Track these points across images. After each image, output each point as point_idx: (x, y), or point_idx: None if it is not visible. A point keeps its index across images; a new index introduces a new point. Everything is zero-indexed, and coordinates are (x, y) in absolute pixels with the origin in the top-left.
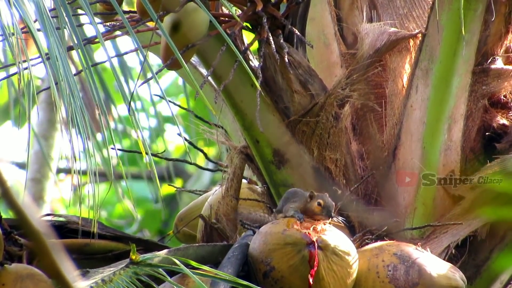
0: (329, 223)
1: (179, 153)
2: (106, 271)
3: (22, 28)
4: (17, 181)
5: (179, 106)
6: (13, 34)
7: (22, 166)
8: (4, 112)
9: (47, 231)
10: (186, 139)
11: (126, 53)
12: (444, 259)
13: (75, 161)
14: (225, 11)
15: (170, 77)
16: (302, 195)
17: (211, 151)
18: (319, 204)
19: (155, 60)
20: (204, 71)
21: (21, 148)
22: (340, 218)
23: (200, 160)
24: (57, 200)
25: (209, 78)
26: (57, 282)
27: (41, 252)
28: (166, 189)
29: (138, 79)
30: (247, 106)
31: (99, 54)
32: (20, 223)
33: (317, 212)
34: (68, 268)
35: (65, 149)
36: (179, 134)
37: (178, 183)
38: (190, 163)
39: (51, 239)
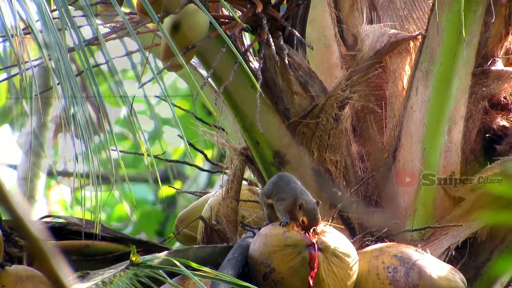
0: (329, 224)
1: (178, 156)
2: (107, 273)
3: (23, 29)
4: (10, 182)
5: (180, 107)
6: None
7: (13, 167)
8: (1, 115)
9: (45, 235)
10: (187, 141)
11: (126, 54)
12: (444, 261)
13: (77, 162)
14: (225, 12)
15: (167, 80)
16: (293, 193)
17: (209, 153)
18: (303, 221)
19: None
20: (204, 72)
21: (13, 149)
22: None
23: (199, 162)
24: (57, 202)
25: (209, 79)
26: (54, 286)
27: (38, 256)
28: (163, 191)
29: (141, 80)
30: (247, 108)
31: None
32: (17, 227)
33: (300, 223)
34: (66, 272)
35: (66, 152)
36: (181, 136)
37: (176, 185)
38: (191, 165)
39: (49, 243)
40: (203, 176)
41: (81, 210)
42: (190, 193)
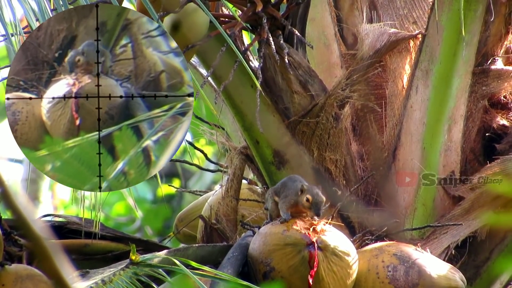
0: (329, 223)
1: (179, 153)
2: (106, 272)
3: (24, 28)
4: (14, 181)
5: None
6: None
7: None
8: (2, 112)
9: (47, 233)
10: (186, 140)
11: None
12: (444, 260)
13: None
14: (225, 11)
15: None
16: (296, 188)
17: (210, 150)
18: (307, 200)
19: None
20: (204, 71)
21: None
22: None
23: (201, 159)
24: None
25: (209, 78)
26: (56, 284)
27: (40, 254)
28: (168, 189)
29: None
30: (247, 107)
31: None
32: (19, 225)
33: (306, 206)
34: (68, 270)
35: None
36: None
37: (177, 182)
38: (190, 164)
39: (51, 240)
40: (209, 173)
41: (82, 208)
42: (190, 192)
